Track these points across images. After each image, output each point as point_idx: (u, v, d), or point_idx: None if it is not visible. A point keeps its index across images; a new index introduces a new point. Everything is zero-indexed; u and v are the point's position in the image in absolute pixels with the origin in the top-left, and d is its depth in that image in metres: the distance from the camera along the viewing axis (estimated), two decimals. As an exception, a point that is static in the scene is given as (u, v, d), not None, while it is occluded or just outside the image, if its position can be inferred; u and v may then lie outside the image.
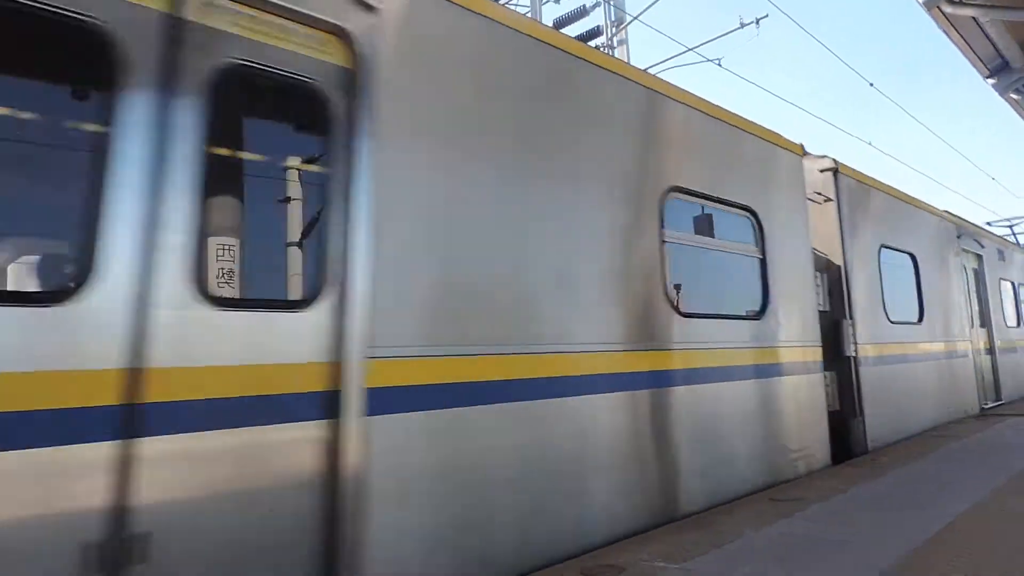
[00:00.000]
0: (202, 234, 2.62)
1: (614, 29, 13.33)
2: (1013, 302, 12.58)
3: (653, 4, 13.23)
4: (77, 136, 2.56)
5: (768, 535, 3.77)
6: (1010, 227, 16.63)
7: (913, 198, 8.84)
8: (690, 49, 11.92)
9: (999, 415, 9.51)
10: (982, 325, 10.95)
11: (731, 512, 4.38)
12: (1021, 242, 13.86)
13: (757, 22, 12.67)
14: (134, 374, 2.34)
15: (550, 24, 12.19)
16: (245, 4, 2.76)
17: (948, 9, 10.89)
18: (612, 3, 13.42)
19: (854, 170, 7.40)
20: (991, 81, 13.75)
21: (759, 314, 5.37)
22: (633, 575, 3.18)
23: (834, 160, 7.04)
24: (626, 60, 5.25)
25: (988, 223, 14.86)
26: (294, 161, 3.07)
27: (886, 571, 3.06)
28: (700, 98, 5.12)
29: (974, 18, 11.50)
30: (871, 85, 22.16)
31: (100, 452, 2.25)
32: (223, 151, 2.80)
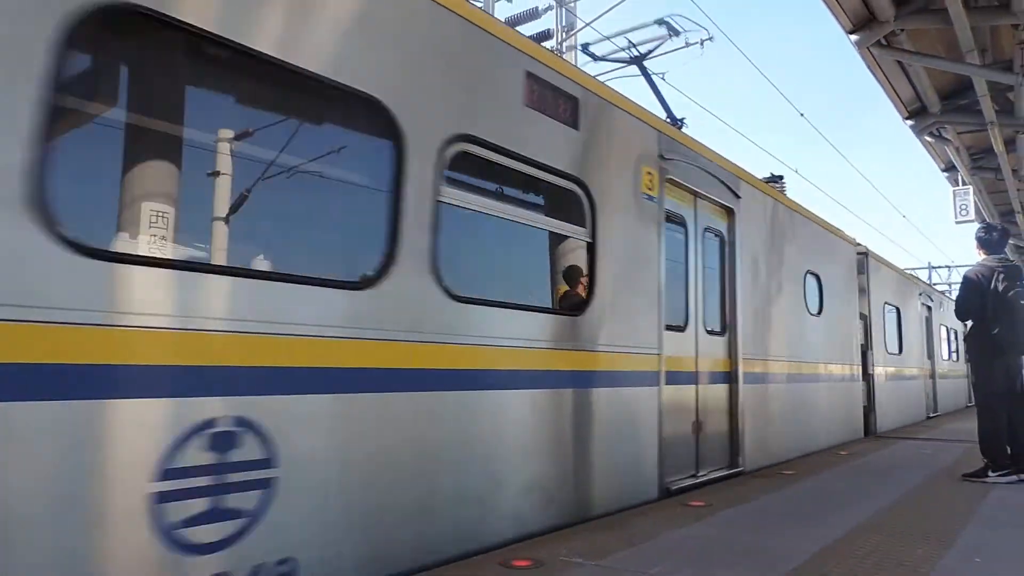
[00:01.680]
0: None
1: (564, 34, 13.47)
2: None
3: (606, 12, 13.45)
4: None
5: (681, 537, 3.93)
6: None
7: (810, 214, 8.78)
8: (636, 60, 12.18)
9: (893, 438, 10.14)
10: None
11: (646, 514, 4.53)
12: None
13: (702, 43, 13.04)
14: None
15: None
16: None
17: (877, 51, 11.53)
18: (564, 7, 13.55)
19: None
20: (910, 122, 14.61)
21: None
22: (551, 570, 3.26)
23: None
24: (573, 64, 5.42)
25: None
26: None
27: (790, 572, 3.24)
28: None
29: (899, 62, 12.22)
30: (802, 115, 23.19)
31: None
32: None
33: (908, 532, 4.13)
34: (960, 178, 17.60)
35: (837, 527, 4.22)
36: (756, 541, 3.87)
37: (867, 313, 10.75)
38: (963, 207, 17.10)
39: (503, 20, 13.81)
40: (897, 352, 12.27)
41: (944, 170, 18.23)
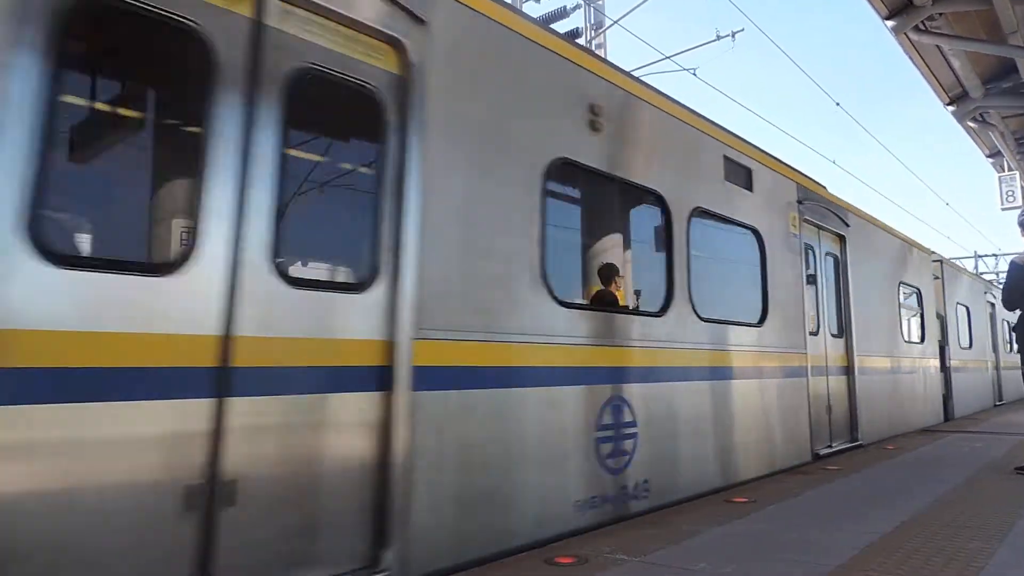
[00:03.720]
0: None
1: (593, 32, 13.46)
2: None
3: (634, 9, 13.40)
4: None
5: (724, 533, 3.91)
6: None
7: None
8: (667, 57, 12.12)
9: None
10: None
11: (686, 512, 4.52)
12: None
13: (733, 35, 12.93)
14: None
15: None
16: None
17: (915, 36, 11.28)
18: (592, 5, 13.54)
19: None
20: (951, 108, 14.26)
21: None
22: (595, 566, 3.27)
23: None
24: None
25: None
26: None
27: (833, 571, 3.21)
28: None
29: (939, 47, 11.93)
30: (838, 105, 22.67)
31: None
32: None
33: (959, 527, 4.05)
34: (1006, 163, 17.10)
35: (885, 522, 4.15)
36: (801, 537, 3.83)
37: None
38: (1009, 193, 16.62)
39: (536, 17, 13.87)
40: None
41: (989, 156, 17.73)
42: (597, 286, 5.03)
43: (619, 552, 3.50)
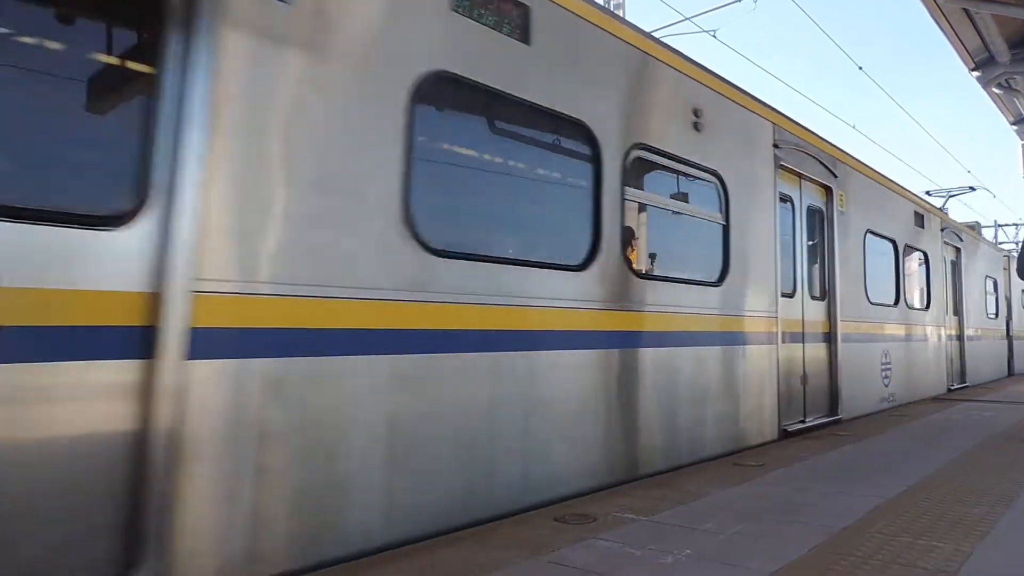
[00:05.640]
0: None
1: (611, -8, 13.18)
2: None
3: (652, -30, 13.12)
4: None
5: (731, 495, 3.97)
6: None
7: None
8: (687, 18, 11.90)
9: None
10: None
11: (696, 474, 4.59)
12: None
13: (754, -4, 12.63)
14: None
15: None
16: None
17: (942, -2, 10.98)
18: (611, -35, 13.22)
19: None
20: (976, 74, 13.93)
21: None
22: (604, 524, 3.35)
23: None
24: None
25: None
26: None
27: (840, 532, 3.26)
28: None
29: (965, 9, 11.61)
30: (860, 68, 21.88)
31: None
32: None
33: (966, 492, 4.09)
34: (1030, 131, 16.75)
35: (891, 486, 4.20)
36: (807, 500, 3.89)
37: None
38: (1033, 162, 16.30)
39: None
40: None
41: (1013, 123, 17.36)
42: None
43: (628, 511, 3.58)
